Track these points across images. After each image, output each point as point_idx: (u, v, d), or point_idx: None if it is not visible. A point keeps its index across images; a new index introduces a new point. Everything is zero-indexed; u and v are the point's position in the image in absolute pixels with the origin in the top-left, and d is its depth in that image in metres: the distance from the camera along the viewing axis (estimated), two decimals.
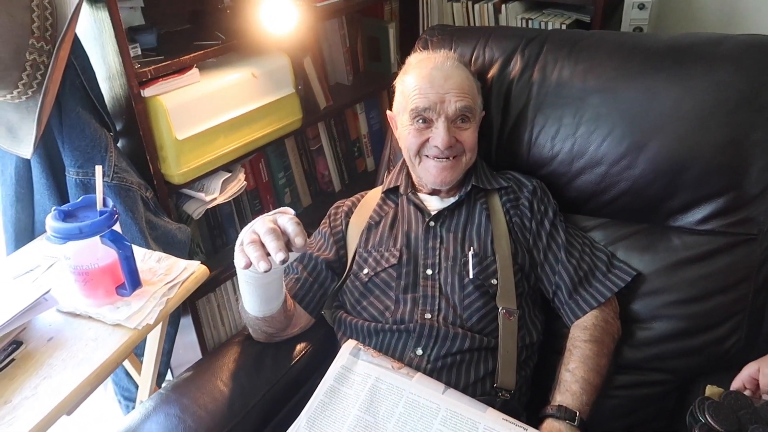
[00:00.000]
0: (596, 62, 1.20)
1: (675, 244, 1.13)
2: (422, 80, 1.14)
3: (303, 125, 1.68)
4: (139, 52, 1.34)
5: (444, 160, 1.14)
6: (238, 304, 1.10)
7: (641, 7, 1.59)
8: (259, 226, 0.85)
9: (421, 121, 1.13)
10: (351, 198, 1.29)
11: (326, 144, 1.90)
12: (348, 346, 1.03)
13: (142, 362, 1.28)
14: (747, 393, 0.96)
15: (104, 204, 1.04)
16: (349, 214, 1.24)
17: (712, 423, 0.89)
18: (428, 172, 1.15)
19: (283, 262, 0.81)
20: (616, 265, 1.13)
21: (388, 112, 1.27)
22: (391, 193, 1.24)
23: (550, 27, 1.71)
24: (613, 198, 1.18)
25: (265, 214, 0.88)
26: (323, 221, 1.26)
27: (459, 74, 1.16)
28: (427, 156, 1.15)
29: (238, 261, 0.84)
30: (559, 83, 1.22)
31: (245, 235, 0.85)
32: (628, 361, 1.11)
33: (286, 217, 0.85)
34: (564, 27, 1.70)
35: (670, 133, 1.11)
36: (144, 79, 1.28)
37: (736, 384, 0.96)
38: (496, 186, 1.18)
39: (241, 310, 1.08)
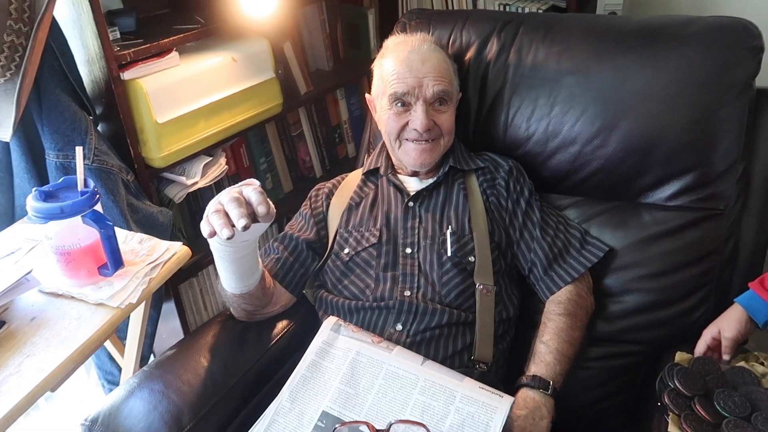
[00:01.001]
0: (570, 44, 1.23)
1: (646, 220, 1.16)
2: (400, 64, 1.15)
3: (283, 110, 1.69)
4: (118, 36, 1.34)
5: (423, 142, 1.16)
6: (218, 284, 1.11)
7: None
8: (224, 196, 0.87)
9: (399, 104, 1.15)
10: (332, 180, 1.30)
11: (307, 129, 1.91)
12: (329, 322, 1.05)
13: (125, 345, 1.29)
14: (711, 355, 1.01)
15: (85, 185, 1.04)
16: (329, 196, 1.25)
17: (680, 387, 0.93)
18: (408, 155, 1.17)
19: (245, 228, 0.83)
20: (590, 241, 1.16)
21: (367, 95, 1.28)
22: (371, 174, 1.26)
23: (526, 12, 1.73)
24: (587, 176, 1.21)
25: (232, 186, 0.91)
26: (304, 203, 1.28)
27: (436, 57, 1.18)
28: (407, 139, 1.17)
29: (204, 229, 0.87)
30: (534, 65, 1.25)
31: (210, 206, 0.88)
32: (601, 334, 1.14)
33: (250, 188, 0.88)
34: (541, 12, 1.72)
35: (640, 112, 1.14)
36: (123, 62, 1.28)
37: (700, 347, 1.01)
38: (474, 166, 1.21)
39: (220, 289, 1.10)
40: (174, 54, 1.37)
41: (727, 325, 0.99)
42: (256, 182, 0.90)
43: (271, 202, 0.88)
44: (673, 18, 1.19)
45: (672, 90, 1.12)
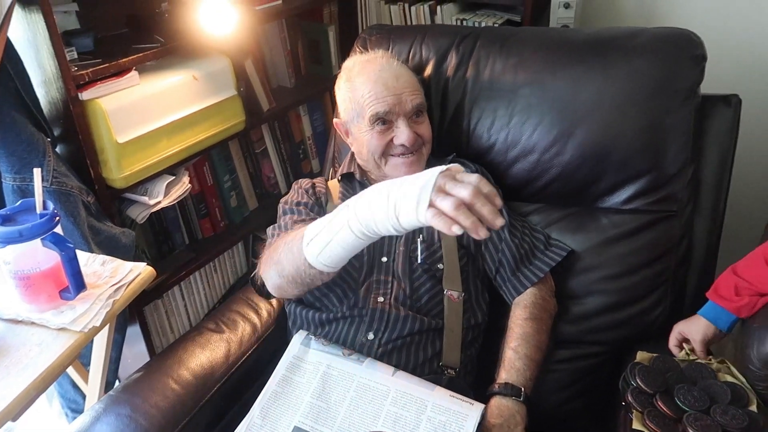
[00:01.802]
0: (525, 56, 1.27)
1: (603, 223, 1.20)
2: (375, 84, 1.16)
3: (246, 127, 1.69)
4: (76, 56, 1.32)
5: (410, 155, 1.17)
6: (305, 255, 0.95)
7: (567, 6, 1.68)
8: (458, 187, 0.76)
9: (381, 123, 1.16)
10: (317, 181, 1.27)
11: (270, 146, 1.91)
12: (299, 336, 1.05)
13: (89, 371, 1.26)
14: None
15: (44, 207, 1.02)
16: (325, 195, 1.23)
17: (642, 385, 0.96)
18: (398, 170, 1.18)
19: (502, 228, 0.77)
20: (553, 243, 1.19)
21: (335, 120, 1.29)
22: (347, 178, 1.26)
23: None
24: (546, 183, 1.25)
25: (438, 169, 0.79)
26: (300, 194, 1.22)
27: (405, 72, 1.20)
28: (392, 155, 1.18)
29: (451, 228, 0.74)
30: (492, 77, 1.28)
31: (437, 198, 0.76)
32: (566, 336, 1.17)
33: (474, 177, 0.77)
34: (496, 26, 1.77)
35: (594, 120, 1.18)
36: (81, 82, 1.27)
37: (672, 342, 1.05)
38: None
39: (299, 266, 0.97)
40: (133, 73, 1.36)
41: (695, 328, 1.03)
42: (461, 168, 0.80)
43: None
44: (621, 30, 1.25)
45: (622, 98, 1.17)
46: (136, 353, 1.65)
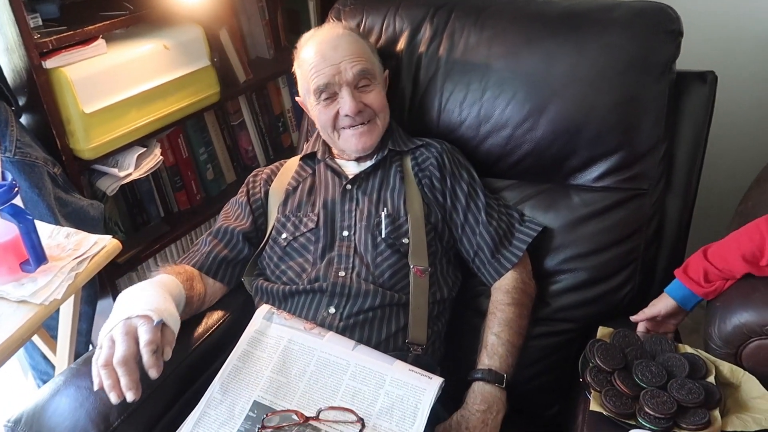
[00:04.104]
0: (500, 29, 1.24)
1: (575, 201, 1.19)
2: (315, 57, 1.15)
3: (222, 99, 1.66)
4: (40, 23, 1.29)
5: (359, 126, 1.15)
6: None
7: None
8: (119, 345, 0.84)
9: (325, 96, 1.15)
10: (270, 166, 1.29)
11: (248, 119, 1.88)
12: (261, 310, 1.04)
13: None
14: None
15: (3, 178, 1.01)
16: (268, 182, 1.24)
17: (601, 363, 0.95)
18: (349, 142, 1.17)
19: (134, 400, 0.82)
20: (526, 220, 1.18)
21: (297, 98, 1.27)
22: (309, 159, 1.25)
23: None
24: (519, 159, 1.23)
25: (130, 314, 0.87)
26: (241, 189, 1.26)
27: (346, 40, 1.17)
28: (342, 128, 1.16)
29: (94, 380, 0.84)
30: (466, 50, 1.26)
31: (104, 342, 0.86)
32: (537, 314, 1.16)
33: (144, 340, 0.84)
34: None
35: (567, 95, 1.16)
36: (45, 50, 1.24)
37: (640, 329, 1.04)
38: (411, 146, 1.21)
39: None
40: (100, 41, 1.33)
41: (664, 306, 1.01)
42: (154, 319, 0.87)
43: (168, 352, 0.87)
44: (597, 2, 1.22)
45: (596, 73, 1.14)
46: None
